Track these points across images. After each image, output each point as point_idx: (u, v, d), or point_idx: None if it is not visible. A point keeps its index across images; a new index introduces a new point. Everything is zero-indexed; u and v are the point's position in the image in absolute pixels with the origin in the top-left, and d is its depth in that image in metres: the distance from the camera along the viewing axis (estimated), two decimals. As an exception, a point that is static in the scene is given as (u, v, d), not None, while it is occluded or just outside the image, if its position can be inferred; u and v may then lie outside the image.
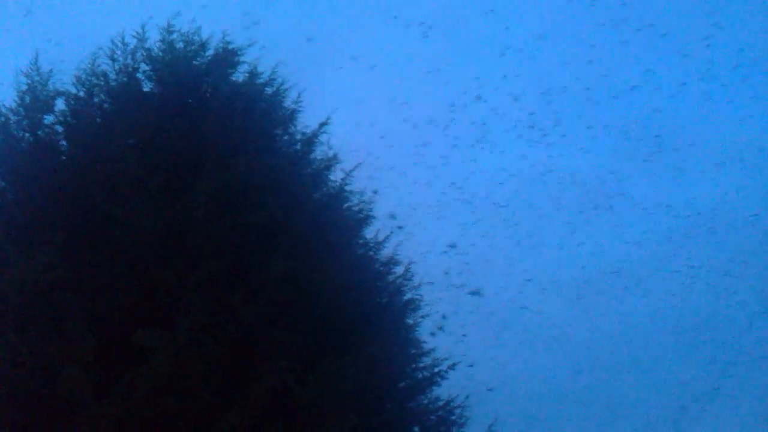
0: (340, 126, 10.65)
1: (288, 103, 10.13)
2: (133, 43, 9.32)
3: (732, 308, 25.33)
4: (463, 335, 25.80)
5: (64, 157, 8.60)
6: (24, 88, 8.69)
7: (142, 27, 9.29)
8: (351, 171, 9.73)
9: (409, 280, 9.79)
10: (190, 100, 9.41)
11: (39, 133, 8.68)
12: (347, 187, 9.96)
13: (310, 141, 9.71)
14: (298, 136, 9.98)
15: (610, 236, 29.31)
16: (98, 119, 8.92)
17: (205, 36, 9.71)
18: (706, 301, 26.08)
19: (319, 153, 10.00)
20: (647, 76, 31.70)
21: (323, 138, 9.93)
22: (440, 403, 9.29)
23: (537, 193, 31.14)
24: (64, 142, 8.85)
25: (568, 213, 30.45)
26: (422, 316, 9.67)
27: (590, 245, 29.13)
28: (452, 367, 9.21)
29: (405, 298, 9.67)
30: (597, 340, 25.67)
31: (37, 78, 8.76)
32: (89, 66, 9.01)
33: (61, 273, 7.59)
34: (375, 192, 9.72)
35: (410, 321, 9.65)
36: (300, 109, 10.11)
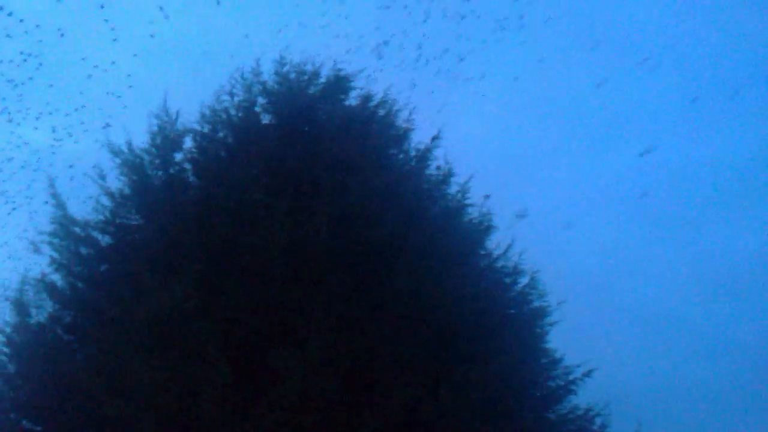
0: (456, 140, 10.65)
1: (400, 122, 10.29)
2: (249, 78, 9.78)
3: None
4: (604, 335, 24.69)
5: (193, 191, 9.07)
6: (155, 129, 9.25)
7: (257, 62, 9.73)
8: (466, 183, 9.70)
9: (536, 288, 9.58)
10: (307, 128, 9.74)
11: (170, 170, 9.21)
12: (465, 200, 9.93)
13: (423, 156, 9.79)
14: (413, 153, 10.08)
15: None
16: (222, 153, 9.38)
17: (316, 64, 10.07)
18: None
19: (434, 168, 10.06)
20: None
21: (438, 153, 9.99)
22: (579, 412, 8.96)
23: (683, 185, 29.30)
24: (193, 177, 9.34)
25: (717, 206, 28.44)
26: (551, 324, 9.42)
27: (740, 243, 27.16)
28: (588, 374, 8.90)
29: (532, 306, 9.46)
30: (737, 344, 23.96)
31: (166, 119, 9.31)
32: (212, 103, 9.52)
33: (197, 300, 7.98)
34: (487, 197, 9.58)
35: (539, 330, 9.42)
36: (412, 127, 10.23)
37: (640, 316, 25.81)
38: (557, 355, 9.31)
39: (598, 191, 29.47)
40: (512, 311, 9.43)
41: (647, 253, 27.60)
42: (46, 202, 9.09)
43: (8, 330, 8.63)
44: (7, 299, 8.84)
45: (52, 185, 9.00)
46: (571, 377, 8.96)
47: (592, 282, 25.45)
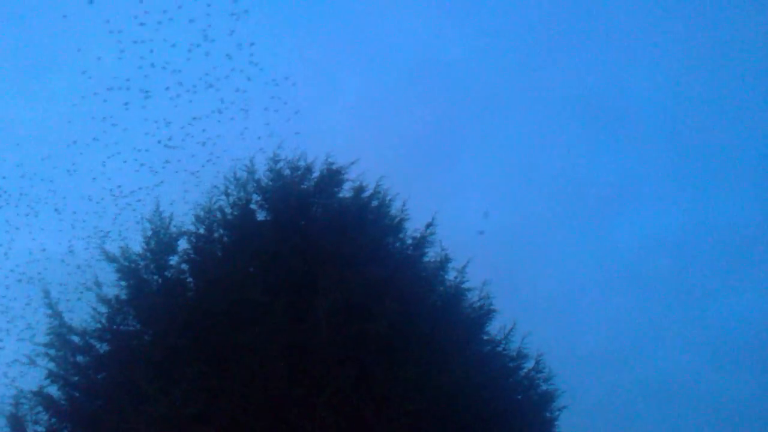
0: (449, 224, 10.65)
1: (394, 211, 10.30)
2: (244, 176, 9.85)
3: None
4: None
5: (191, 293, 9.00)
6: (149, 233, 9.26)
7: (251, 160, 9.84)
8: (463, 268, 9.67)
9: (541, 372, 9.41)
10: (302, 222, 9.76)
11: (166, 273, 9.17)
12: (463, 285, 9.87)
13: (419, 245, 9.77)
14: (409, 242, 10.07)
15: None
16: (219, 253, 9.36)
17: (310, 159, 10.16)
18: None
19: (432, 254, 10.01)
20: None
21: (433, 239, 9.98)
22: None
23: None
24: (190, 279, 9.29)
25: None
26: (560, 408, 9.20)
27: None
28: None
29: (540, 390, 9.27)
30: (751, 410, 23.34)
31: (159, 222, 9.34)
32: (207, 203, 9.56)
33: (198, 405, 7.80)
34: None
35: (548, 414, 9.20)
36: (407, 216, 10.22)
37: (654, 388, 25.32)
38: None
39: (598, 267, 29.34)
40: (519, 397, 9.24)
41: (656, 326, 27.32)
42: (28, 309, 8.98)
43: (2, 447, 8.40)
44: (2, 414, 8.63)
45: (47, 295, 8.94)
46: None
47: (604, 360, 25.07)
